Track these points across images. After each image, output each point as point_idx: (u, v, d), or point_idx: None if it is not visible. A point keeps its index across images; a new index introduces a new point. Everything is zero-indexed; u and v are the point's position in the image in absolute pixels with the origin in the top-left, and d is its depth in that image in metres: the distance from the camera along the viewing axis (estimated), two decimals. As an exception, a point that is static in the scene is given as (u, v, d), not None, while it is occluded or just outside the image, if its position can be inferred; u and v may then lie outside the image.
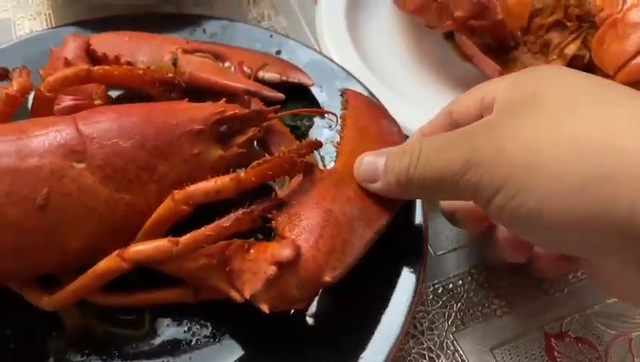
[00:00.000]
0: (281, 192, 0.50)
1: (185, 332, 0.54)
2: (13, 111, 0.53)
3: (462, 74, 0.77)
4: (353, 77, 0.69)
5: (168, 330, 0.54)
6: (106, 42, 0.63)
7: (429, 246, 0.61)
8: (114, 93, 0.62)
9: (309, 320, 0.54)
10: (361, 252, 0.48)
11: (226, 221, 0.46)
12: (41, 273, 0.50)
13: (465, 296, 0.61)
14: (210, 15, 0.76)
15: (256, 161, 0.47)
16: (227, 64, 0.65)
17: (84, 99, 0.57)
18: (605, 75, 0.65)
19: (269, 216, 0.48)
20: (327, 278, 0.46)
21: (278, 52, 0.71)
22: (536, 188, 0.39)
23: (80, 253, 0.48)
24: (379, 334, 0.51)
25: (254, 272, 0.46)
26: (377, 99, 0.65)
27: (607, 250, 0.40)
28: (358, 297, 0.54)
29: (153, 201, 0.48)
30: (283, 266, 0.45)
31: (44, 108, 0.54)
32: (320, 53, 0.72)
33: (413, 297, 0.53)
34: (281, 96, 0.58)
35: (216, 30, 0.73)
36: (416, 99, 0.74)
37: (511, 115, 0.43)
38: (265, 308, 0.46)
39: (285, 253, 0.45)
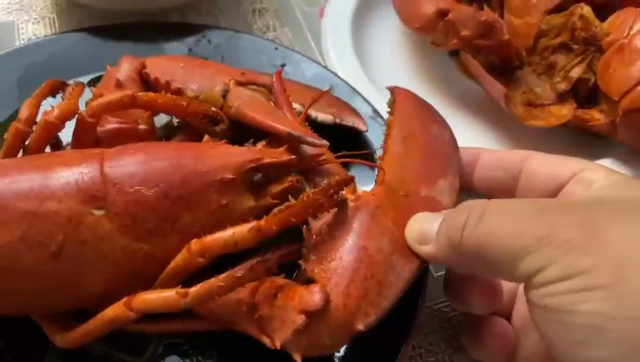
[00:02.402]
0: (314, 223, 0.46)
1: (186, 363, 0.52)
2: (51, 138, 0.53)
3: (466, 91, 0.78)
4: (357, 92, 0.69)
5: (169, 359, 0.52)
6: (159, 66, 0.61)
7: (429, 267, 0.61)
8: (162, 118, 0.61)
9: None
10: (399, 292, 0.45)
11: (240, 270, 0.43)
12: (58, 311, 0.49)
13: (463, 317, 0.60)
14: (216, 25, 0.76)
15: (278, 208, 0.44)
16: None
17: (128, 123, 0.55)
18: (610, 100, 0.65)
19: (300, 247, 0.45)
20: (360, 326, 0.43)
21: (283, 65, 0.71)
22: (623, 293, 0.35)
23: (96, 297, 0.47)
24: (380, 356, 0.51)
25: (283, 320, 0.43)
26: (381, 116, 0.65)
27: None
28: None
29: (174, 251, 0.46)
30: (311, 315, 0.42)
31: (86, 134, 0.53)
32: (325, 67, 0.72)
33: (414, 318, 0.53)
34: (325, 143, 0.52)
35: (221, 41, 0.72)
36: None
37: (615, 208, 0.39)
38: (297, 357, 0.43)
39: (313, 301, 0.42)
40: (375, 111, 0.66)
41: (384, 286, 0.44)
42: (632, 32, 0.65)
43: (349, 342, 0.45)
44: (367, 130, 0.64)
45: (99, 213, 0.46)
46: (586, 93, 0.70)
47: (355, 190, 0.49)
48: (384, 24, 0.84)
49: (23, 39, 0.79)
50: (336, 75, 0.71)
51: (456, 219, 0.42)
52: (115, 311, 0.45)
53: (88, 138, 0.53)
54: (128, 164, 0.47)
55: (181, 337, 0.53)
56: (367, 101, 0.68)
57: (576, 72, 0.69)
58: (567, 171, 0.48)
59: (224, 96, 0.58)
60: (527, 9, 0.72)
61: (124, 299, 0.45)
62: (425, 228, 0.45)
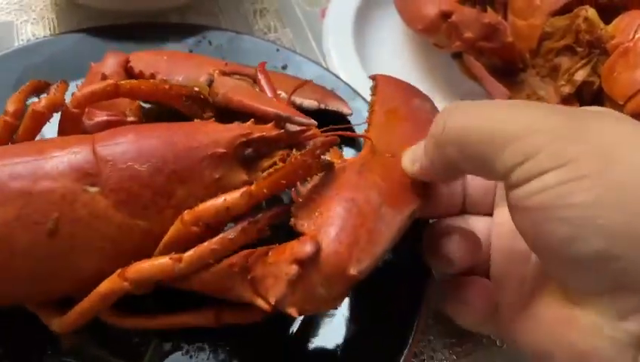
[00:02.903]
0: (303, 188, 0.47)
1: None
2: (41, 127, 0.53)
3: (469, 93, 0.77)
4: (359, 94, 0.68)
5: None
6: (144, 60, 0.62)
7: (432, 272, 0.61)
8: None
9: (310, 347, 0.53)
10: (391, 240, 0.45)
11: (231, 232, 0.44)
12: (54, 297, 0.49)
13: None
14: (217, 26, 0.75)
15: (267, 171, 0.45)
16: None
17: (117, 115, 0.55)
18: (615, 104, 0.65)
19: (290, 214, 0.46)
20: (353, 271, 0.43)
21: (284, 67, 0.70)
22: (609, 182, 0.35)
23: (93, 277, 0.47)
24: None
25: (276, 276, 0.43)
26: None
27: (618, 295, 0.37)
28: (360, 323, 0.53)
29: (169, 226, 0.47)
30: (303, 264, 0.42)
31: (71, 125, 0.53)
32: (326, 69, 0.71)
33: (417, 324, 0.52)
34: (313, 123, 0.53)
35: (222, 42, 0.72)
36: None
37: (604, 113, 0.41)
38: (294, 312, 0.43)
39: (304, 249, 0.42)
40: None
41: (374, 234, 0.44)
42: (637, 36, 0.64)
43: (345, 294, 0.45)
44: (351, 114, 0.65)
45: (93, 189, 0.46)
46: (590, 97, 0.69)
47: (341, 156, 0.50)
48: (386, 25, 0.83)
49: (22, 39, 0.78)
50: (338, 77, 0.70)
51: (439, 118, 0.43)
52: (109, 283, 0.45)
53: (74, 130, 0.53)
54: (120, 143, 0.48)
55: (178, 343, 0.53)
56: (367, 102, 0.67)
57: (580, 75, 0.68)
58: None
59: (209, 86, 0.58)
60: (531, 11, 0.71)
61: (118, 271, 0.45)
62: (416, 148, 0.46)
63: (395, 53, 0.82)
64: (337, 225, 0.43)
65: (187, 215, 0.46)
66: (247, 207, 0.45)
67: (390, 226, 0.45)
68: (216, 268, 0.45)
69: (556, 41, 0.70)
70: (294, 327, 0.54)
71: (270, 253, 0.44)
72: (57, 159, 0.46)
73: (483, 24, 0.69)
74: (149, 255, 0.47)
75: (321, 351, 0.53)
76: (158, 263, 0.44)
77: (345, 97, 0.67)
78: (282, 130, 0.51)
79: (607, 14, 0.68)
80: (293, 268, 0.42)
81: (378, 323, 0.53)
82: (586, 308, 0.39)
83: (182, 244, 0.46)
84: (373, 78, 0.57)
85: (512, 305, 0.46)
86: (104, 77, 0.58)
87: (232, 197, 0.45)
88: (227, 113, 0.55)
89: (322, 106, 0.63)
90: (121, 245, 0.46)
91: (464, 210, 0.54)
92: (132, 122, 0.55)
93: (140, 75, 0.61)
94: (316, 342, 0.53)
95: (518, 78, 0.73)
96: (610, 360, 0.38)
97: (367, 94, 0.67)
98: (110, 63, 0.61)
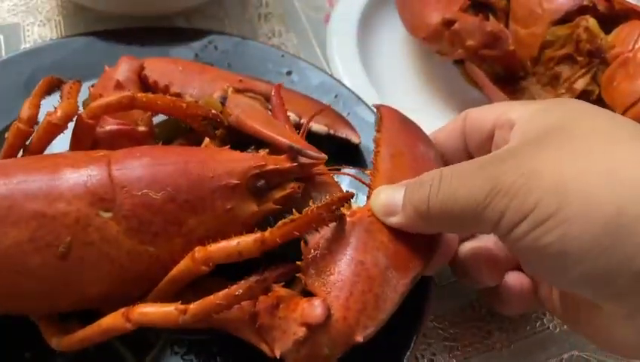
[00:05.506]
0: (311, 238, 0.47)
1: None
2: (53, 138, 0.53)
3: (471, 100, 0.78)
4: (362, 101, 0.69)
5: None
6: (158, 69, 0.62)
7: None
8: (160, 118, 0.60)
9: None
10: (395, 305, 0.47)
11: (237, 289, 0.44)
12: (57, 312, 0.49)
13: (467, 328, 0.61)
14: (223, 32, 0.76)
15: (282, 221, 0.45)
16: None
17: (128, 124, 0.55)
18: (614, 113, 0.66)
19: (299, 265, 0.47)
20: (359, 338, 0.45)
21: (289, 72, 0.71)
22: (569, 215, 0.38)
23: (98, 298, 0.48)
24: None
25: (284, 331, 0.45)
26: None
27: (623, 296, 0.40)
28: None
29: (178, 254, 0.47)
30: (312, 328, 0.44)
31: (84, 135, 0.53)
32: (330, 75, 0.72)
33: (418, 329, 0.53)
34: (323, 156, 0.53)
35: (227, 47, 0.73)
36: (425, 125, 0.74)
37: (538, 144, 0.43)
38: None
39: (315, 314, 0.44)
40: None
41: (381, 300, 0.46)
42: (637, 46, 0.65)
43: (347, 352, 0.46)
44: (359, 143, 0.65)
45: (106, 215, 0.46)
46: (590, 105, 0.70)
47: (350, 205, 0.51)
48: (389, 32, 0.84)
49: (29, 41, 0.79)
50: (342, 83, 0.71)
51: (420, 193, 0.46)
52: (112, 320, 0.46)
53: (87, 139, 0.53)
54: (135, 168, 0.48)
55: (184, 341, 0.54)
56: (371, 109, 0.68)
57: (580, 84, 0.69)
58: (489, 121, 0.51)
59: (223, 103, 0.58)
60: (533, 20, 0.72)
61: (123, 310, 0.45)
62: (390, 201, 0.48)
63: (398, 60, 0.83)
64: (347, 291, 0.45)
65: (198, 253, 0.46)
66: (258, 252, 0.45)
67: (395, 290, 0.46)
68: (225, 312, 0.45)
69: (557, 50, 0.71)
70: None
71: (281, 306, 0.45)
72: (72, 181, 0.47)
73: (485, 32, 0.70)
74: (155, 279, 0.48)
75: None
76: (163, 311, 0.45)
77: (348, 103, 0.68)
78: (296, 164, 0.51)
79: (608, 24, 0.69)
80: (302, 331, 0.44)
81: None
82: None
83: (190, 279, 0.47)
84: (377, 109, 0.58)
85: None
86: (119, 85, 0.58)
87: (244, 241, 0.45)
88: (241, 135, 0.55)
89: (331, 132, 0.64)
90: (129, 269, 0.47)
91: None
92: (143, 132, 0.55)
93: (154, 85, 0.61)
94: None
95: (519, 85, 0.74)
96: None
97: (369, 99, 0.69)
98: (124, 69, 0.61)
